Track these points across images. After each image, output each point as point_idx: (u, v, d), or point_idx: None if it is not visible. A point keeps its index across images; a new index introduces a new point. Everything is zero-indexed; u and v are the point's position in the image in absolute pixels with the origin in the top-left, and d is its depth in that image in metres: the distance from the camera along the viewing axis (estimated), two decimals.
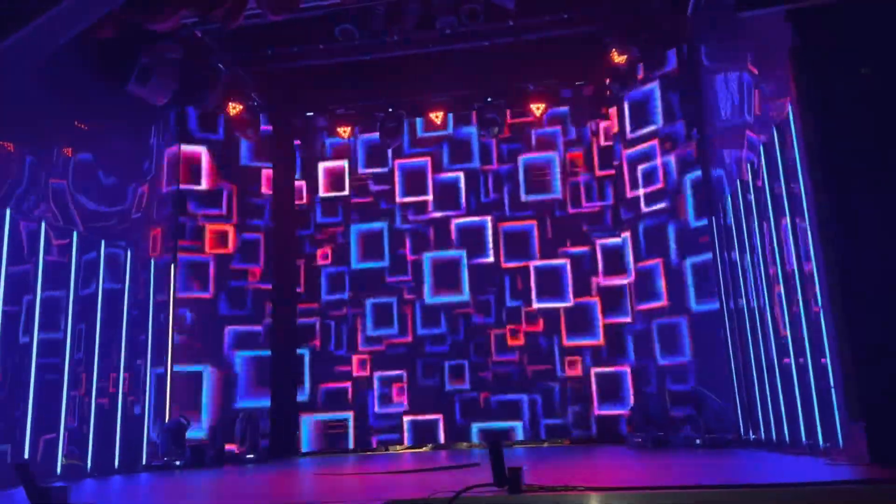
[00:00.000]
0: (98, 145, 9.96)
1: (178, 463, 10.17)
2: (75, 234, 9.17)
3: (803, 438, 6.98)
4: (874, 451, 5.17)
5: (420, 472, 7.18)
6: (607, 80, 11.50)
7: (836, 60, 5.82)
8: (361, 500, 4.75)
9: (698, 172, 10.28)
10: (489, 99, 12.04)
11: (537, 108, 12.02)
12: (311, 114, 12.64)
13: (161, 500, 5.78)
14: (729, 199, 9.04)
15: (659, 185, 10.83)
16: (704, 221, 10.18)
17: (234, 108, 11.44)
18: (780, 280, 7.20)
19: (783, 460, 6.39)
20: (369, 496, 5.01)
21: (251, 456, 10.94)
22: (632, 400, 11.38)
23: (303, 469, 8.62)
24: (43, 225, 8.63)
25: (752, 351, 8.63)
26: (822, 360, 6.38)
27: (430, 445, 12.33)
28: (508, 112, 12.43)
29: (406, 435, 12.38)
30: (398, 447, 12.42)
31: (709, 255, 10.00)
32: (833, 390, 5.99)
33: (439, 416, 12.25)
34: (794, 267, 6.77)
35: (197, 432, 10.81)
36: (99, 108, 9.99)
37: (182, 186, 11.46)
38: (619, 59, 10.35)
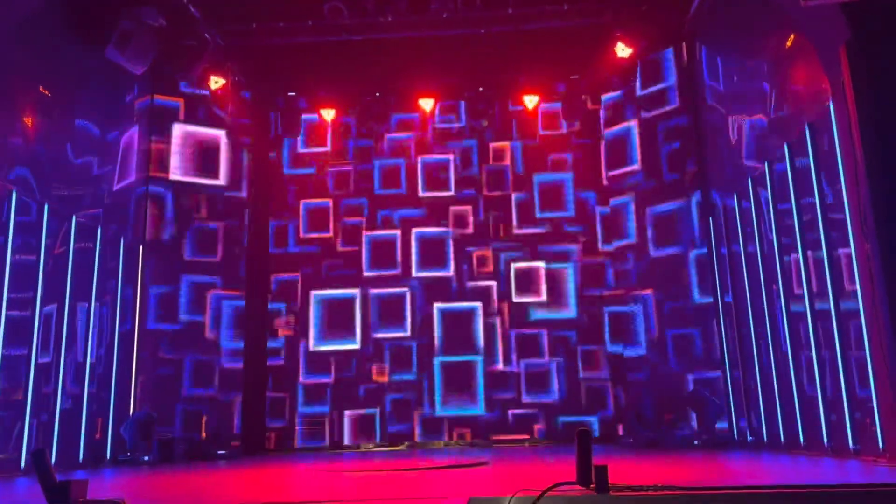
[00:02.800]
0: (69, 112, 9.19)
1: (145, 458, 9.49)
2: (46, 206, 8.41)
3: (825, 440, 6.91)
4: None
5: (437, 469, 6.82)
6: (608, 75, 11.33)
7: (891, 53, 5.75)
8: (445, 497, 4.43)
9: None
10: (480, 88, 11.72)
11: (530, 100, 11.77)
12: (294, 93, 12.06)
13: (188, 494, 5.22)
14: (735, 198, 9.00)
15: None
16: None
17: (215, 82, 10.77)
18: (804, 280, 7.12)
19: (812, 462, 6.28)
20: (445, 493, 4.69)
21: (223, 452, 10.33)
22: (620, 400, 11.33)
23: (307, 466, 8.09)
24: (14, 193, 7.87)
25: (756, 353, 8.60)
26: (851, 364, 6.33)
27: (406, 444, 11.98)
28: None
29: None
30: (370, 445, 12.04)
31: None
32: (874, 392, 5.91)
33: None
34: (824, 262, 6.69)
35: None
36: (72, 72, 9.23)
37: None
38: (623, 52, 10.18)
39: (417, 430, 11.96)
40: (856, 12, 5.83)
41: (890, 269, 5.48)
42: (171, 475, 7.32)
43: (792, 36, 7.37)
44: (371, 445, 12.03)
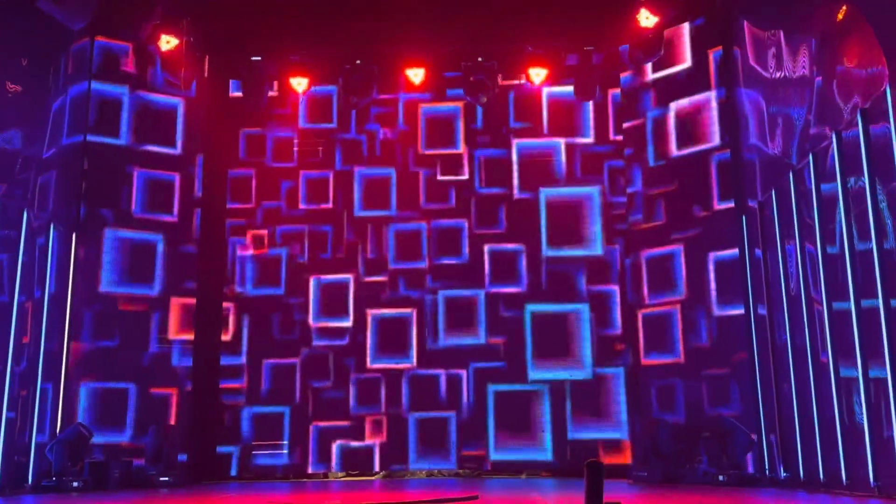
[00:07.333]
0: None
1: (74, 484, 9.42)
2: None
3: (871, 479, 6.98)
4: None
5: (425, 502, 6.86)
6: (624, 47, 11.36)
7: None
8: None
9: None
10: (480, 59, 11.70)
11: (537, 75, 11.77)
12: (259, 58, 11.98)
13: None
14: (774, 195, 9.09)
15: None
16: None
17: (167, 43, 10.71)
18: (852, 292, 7.20)
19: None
20: None
21: (166, 478, 10.27)
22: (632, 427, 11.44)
23: (269, 496, 8.09)
24: None
25: (794, 382, 8.67)
26: None
27: (381, 473, 12.02)
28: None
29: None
30: (340, 473, 12.09)
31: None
32: None
33: None
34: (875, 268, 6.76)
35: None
36: None
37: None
38: (647, 21, 10.21)
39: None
40: None
41: None
42: None
43: (844, 7, 7.43)
44: (341, 473, 12.07)
